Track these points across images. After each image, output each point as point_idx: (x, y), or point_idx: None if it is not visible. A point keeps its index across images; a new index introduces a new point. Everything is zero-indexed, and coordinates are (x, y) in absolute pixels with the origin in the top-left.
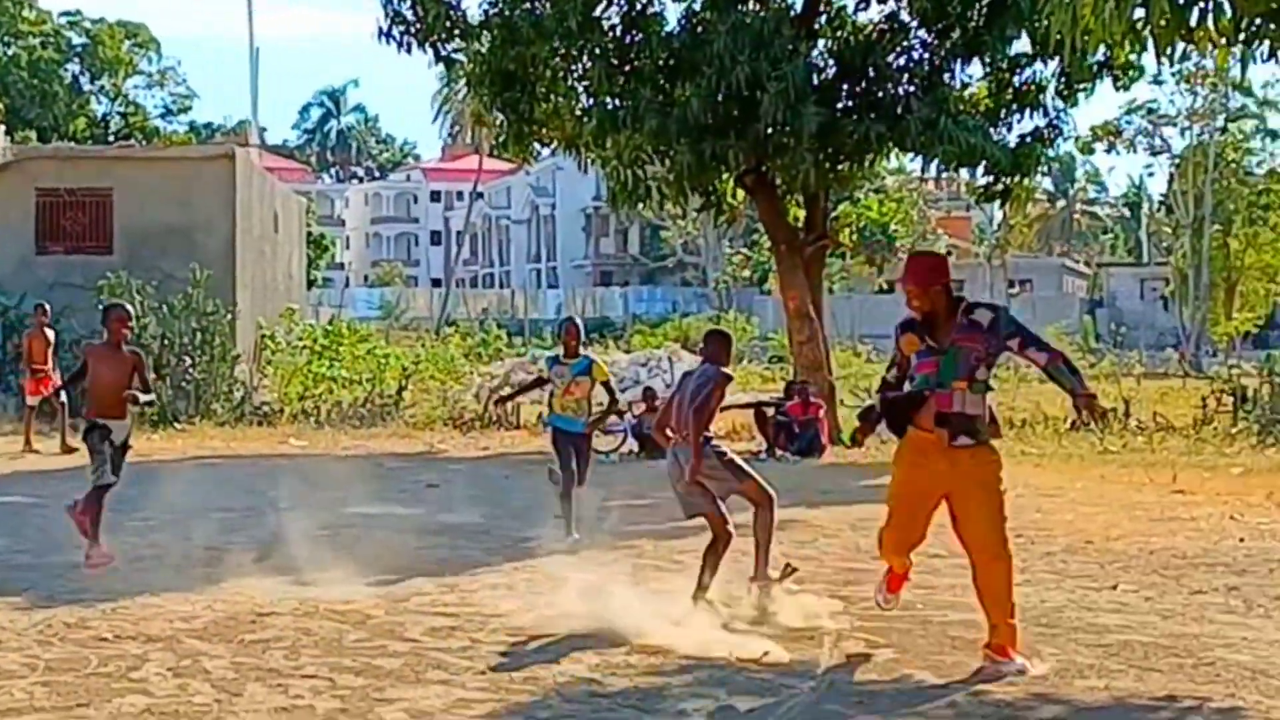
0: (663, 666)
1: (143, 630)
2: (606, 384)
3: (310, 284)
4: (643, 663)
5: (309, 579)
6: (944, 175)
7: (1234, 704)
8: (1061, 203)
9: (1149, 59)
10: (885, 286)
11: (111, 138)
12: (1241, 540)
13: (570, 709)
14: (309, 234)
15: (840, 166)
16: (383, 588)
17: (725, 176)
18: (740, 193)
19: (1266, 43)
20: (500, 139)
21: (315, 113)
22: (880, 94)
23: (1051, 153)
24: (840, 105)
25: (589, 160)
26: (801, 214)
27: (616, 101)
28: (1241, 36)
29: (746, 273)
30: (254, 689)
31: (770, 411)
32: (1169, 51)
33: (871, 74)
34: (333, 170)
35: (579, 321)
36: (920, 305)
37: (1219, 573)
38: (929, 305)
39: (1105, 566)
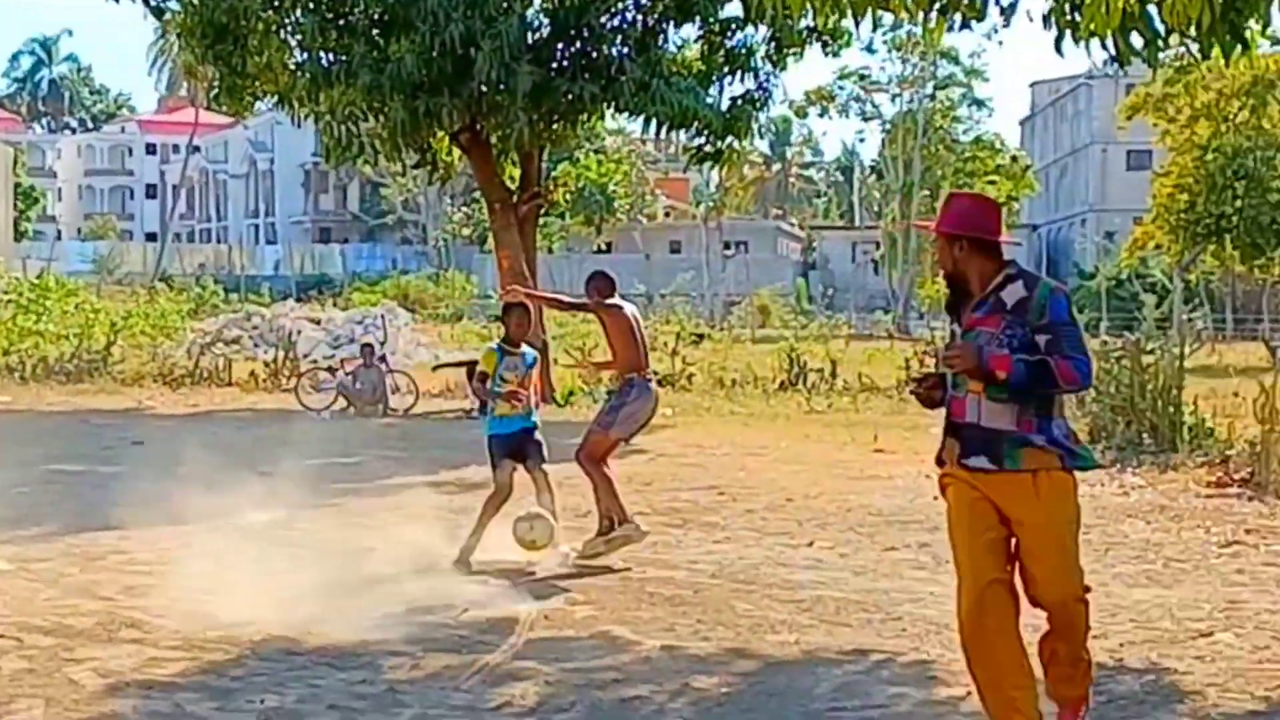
0: (361, 623)
1: None
2: None
3: (19, 236)
4: (341, 620)
5: (2, 537)
6: (660, 137)
7: (919, 657)
8: (777, 166)
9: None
10: (604, 246)
11: None
12: (935, 498)
13: (264, 667)
14: (17, 185)
15: (555, 126)
16: (79, 545)
17: (440, 134)
18: (456, 150)
19: (960, 13)
20: (213, 92)
21: (26, 61)
22: (594, 55)
23: (763, 116)
24: (554, 65)
25: (303, 115)
26: (517, 173)
27: (330, 56)
28: (936, 6)
29: (467, 231)
30: None
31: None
32: (871, 18)
33: (586, 34)
34: (44, 120)
35: (530, 306)
36: (942, 262)
37: (912, 530)
38: (950, 264)
39: (803, 524)
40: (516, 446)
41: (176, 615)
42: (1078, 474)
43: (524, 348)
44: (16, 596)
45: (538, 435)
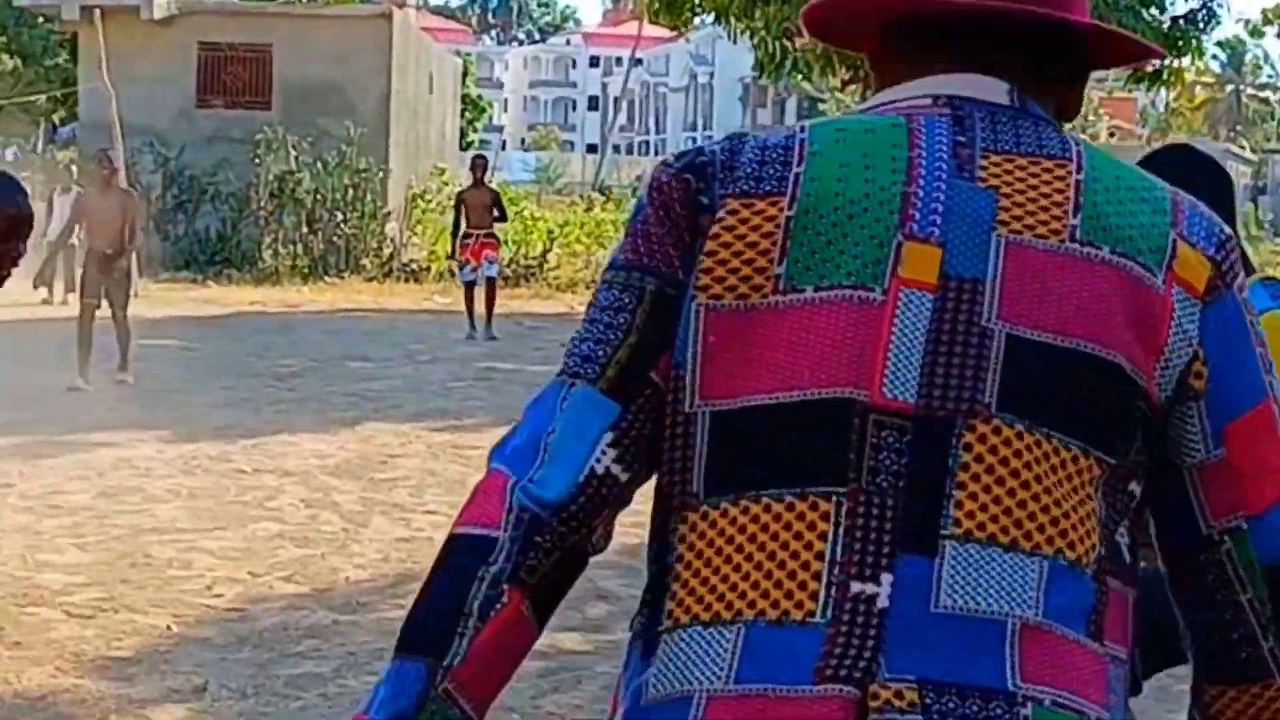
0: None
1: (280, 465)
2: None
3: (466, 145)
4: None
5: (438, 425)
6: None
7: None
8: (1230, 87)
9: None
10: None
11: None
12: None
13: None
14: (465, 96)
15: None
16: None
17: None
18: None
19: None
20: (654, 7)
21: None
22: None
23: (1206, 37)
24: None
25: (739, 31)
26: None
27: None
28: None
29: None
30: (379, 522)
31: None
32: None
33: None
34: (493, 33)
35: None
36: None
37: None
38: None
39: None
40: None
41: None
42: None
43: None
44: (449, 478)
45: None
